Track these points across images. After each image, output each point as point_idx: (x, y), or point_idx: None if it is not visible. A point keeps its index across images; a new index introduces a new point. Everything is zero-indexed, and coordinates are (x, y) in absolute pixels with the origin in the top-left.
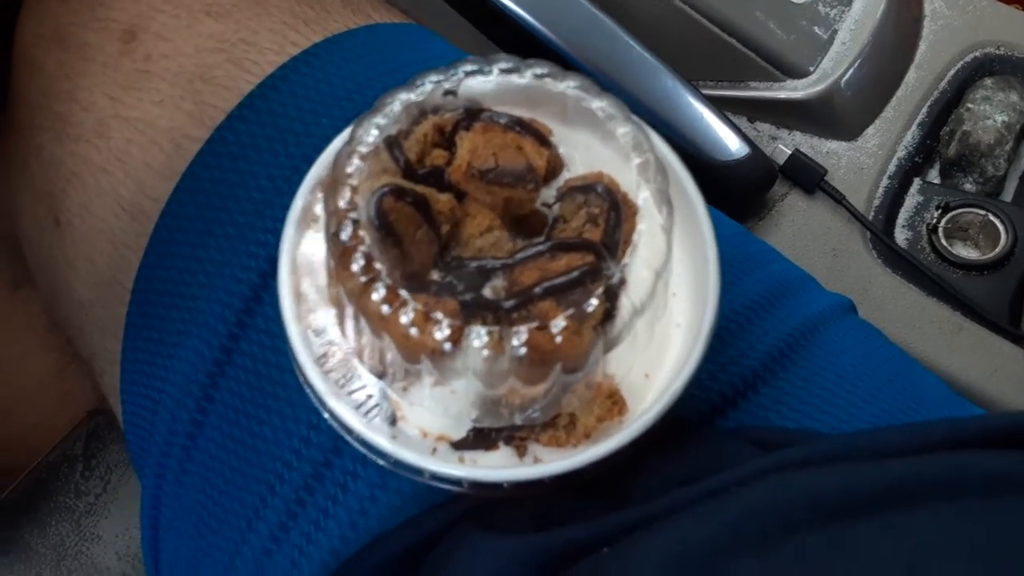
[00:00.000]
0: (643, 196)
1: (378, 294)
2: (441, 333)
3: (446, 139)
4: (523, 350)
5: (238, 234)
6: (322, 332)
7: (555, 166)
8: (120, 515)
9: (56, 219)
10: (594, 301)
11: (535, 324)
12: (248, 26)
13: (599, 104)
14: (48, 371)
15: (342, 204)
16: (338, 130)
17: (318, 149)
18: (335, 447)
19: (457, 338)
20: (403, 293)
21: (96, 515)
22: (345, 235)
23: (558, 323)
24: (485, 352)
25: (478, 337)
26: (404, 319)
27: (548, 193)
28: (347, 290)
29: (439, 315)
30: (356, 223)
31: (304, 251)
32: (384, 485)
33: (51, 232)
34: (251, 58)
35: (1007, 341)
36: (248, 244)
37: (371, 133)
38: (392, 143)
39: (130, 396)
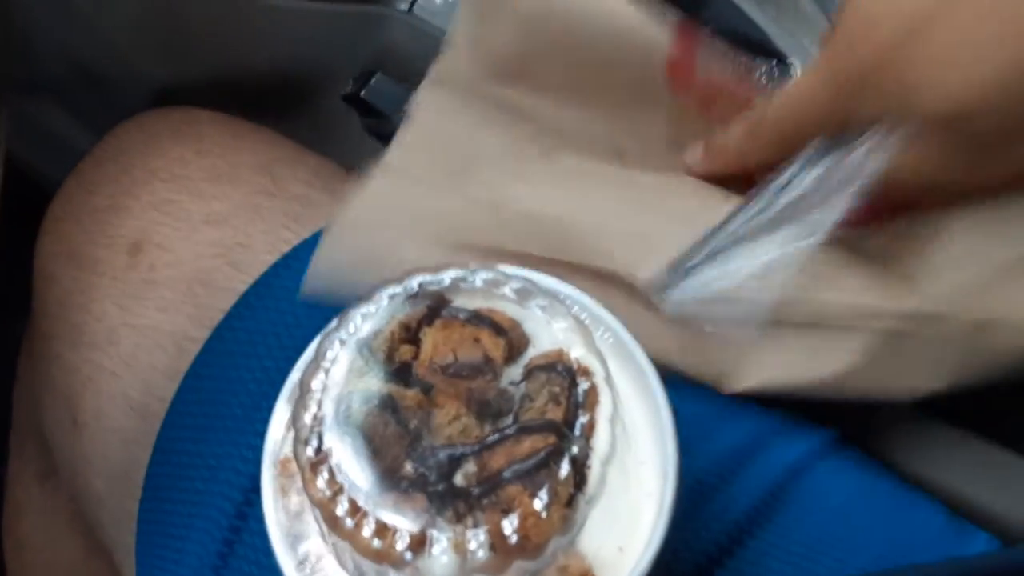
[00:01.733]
0: (575, 355)
1: (341, 508)
2: (402, 544)
3: (412, 335)
4: (482, 552)
5: (237, 427)
6: (305, 536)
7: (519, 345)
8: None
9: (74, 420)
10: (559, 480)
11: (495, 521)
12: (243, 230)
13: (537, 303)
14: (77, 556)
15: (307, 419)
16: (329, 320)
17: (308, 340)
18: None
19: (417, 547)
20: (364, 505)
21: None
22: (311, 450)
23: (514, 518)
24: (445, 559)
25: (437, 543)
26: (366, 531)
27: (516, 372)
28: (313, 503)
29: (400, 525)
30: (321, 436)
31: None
32: None
33: (70, 431)
34: (246, 259)
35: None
36: (246, 436)
37: (335, 346)
38: (362, 345)
39: None
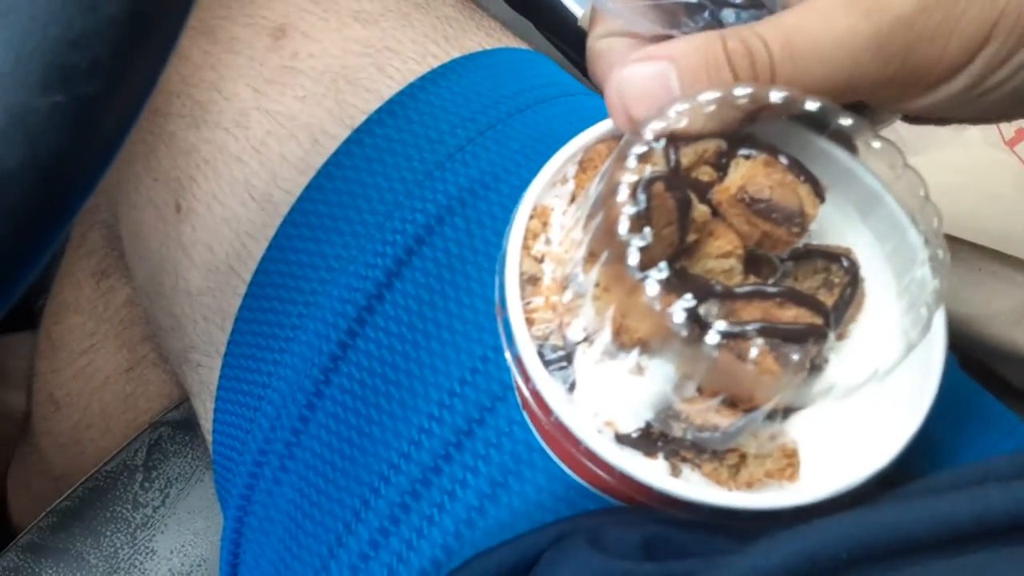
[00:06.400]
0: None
1: (633, 259)
2: (681, 316)
3: (720, 162)
4: (754, 360)
5: (366, 232)
6: (532, 287)
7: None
8: (177, 531)
9: (177, 205)
10: (806, 362)
11: (772, 344)
12: (393, 35)
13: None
14: (115, 369)
15: (628, 171)
16: (471, 140)
17: (450, 157)
18: (446, 452)
19: (694, 328)
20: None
21: (152, 529)
22: (621, 197)
23: (793, 354)
24: (716, 353)
25: (716, 334)
26: (650, 291)
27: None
28: (608, 247)
29: (688, 296)
30: (631, 190)
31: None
32: (494, 496)
33: (169, 218)
34: (394, 65)
35: None
36: (375, 243)
37: (651, 130)
38: (671, 143)
39: (228, 392)
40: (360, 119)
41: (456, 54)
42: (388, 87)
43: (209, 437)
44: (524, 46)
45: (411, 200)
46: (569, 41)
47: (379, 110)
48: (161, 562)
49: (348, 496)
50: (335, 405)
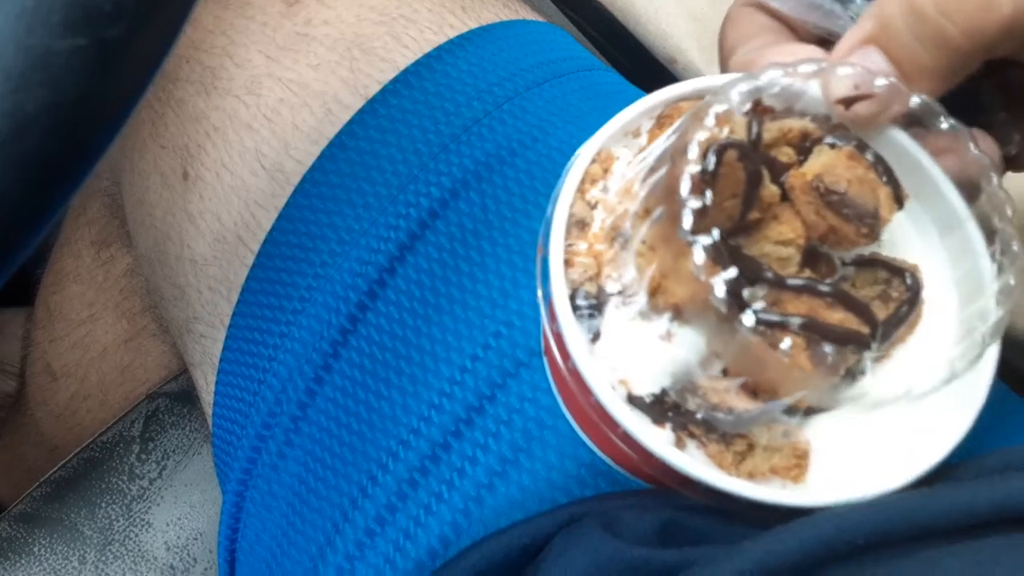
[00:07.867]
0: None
1: (687, 221)
2: (722, 290)
3: (803, 146)
4: (787, 352)
5: (379, 205)
6: (578, 231)
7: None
8: (173, 503)
9: (185, 173)
10: (841, 370)
11: (809, 341)
12: (409, 4)
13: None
14: (113, 340)
15: (704, 129)
16: (487, 113)
17: (467, 130)
18: (456, 429)
19: (733, 305)
20: (713, 233)
21: (148, 501)
22: (691, 155)
23: (828, 354)
24: (749, 336)
25: (752, 316)
26: (697, 258)
27: (847, 252)
28: (664, 205)
29: (732, 269)
30: (703, 149)
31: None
32: (504, 474)
33: (176, 186)
34: (410, 34)
35: None
36: (388, 216)
37: (730, 97)
38: (756, 114)
39: (232, 364)
40: (375, 89)
41: (473, 24)
42: (404, 56)
43: (209, 410)
44: (540, 18)
45: (425, 173)
46: (584, 15)
47: (394, 80)
48: (157, 534)
49: (355, 472)
50: (344, 379)
